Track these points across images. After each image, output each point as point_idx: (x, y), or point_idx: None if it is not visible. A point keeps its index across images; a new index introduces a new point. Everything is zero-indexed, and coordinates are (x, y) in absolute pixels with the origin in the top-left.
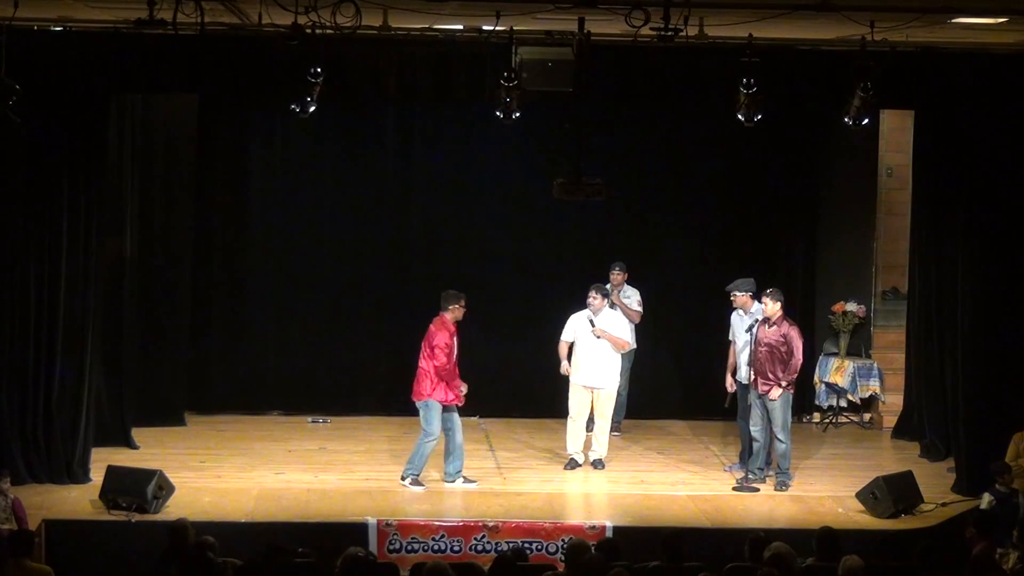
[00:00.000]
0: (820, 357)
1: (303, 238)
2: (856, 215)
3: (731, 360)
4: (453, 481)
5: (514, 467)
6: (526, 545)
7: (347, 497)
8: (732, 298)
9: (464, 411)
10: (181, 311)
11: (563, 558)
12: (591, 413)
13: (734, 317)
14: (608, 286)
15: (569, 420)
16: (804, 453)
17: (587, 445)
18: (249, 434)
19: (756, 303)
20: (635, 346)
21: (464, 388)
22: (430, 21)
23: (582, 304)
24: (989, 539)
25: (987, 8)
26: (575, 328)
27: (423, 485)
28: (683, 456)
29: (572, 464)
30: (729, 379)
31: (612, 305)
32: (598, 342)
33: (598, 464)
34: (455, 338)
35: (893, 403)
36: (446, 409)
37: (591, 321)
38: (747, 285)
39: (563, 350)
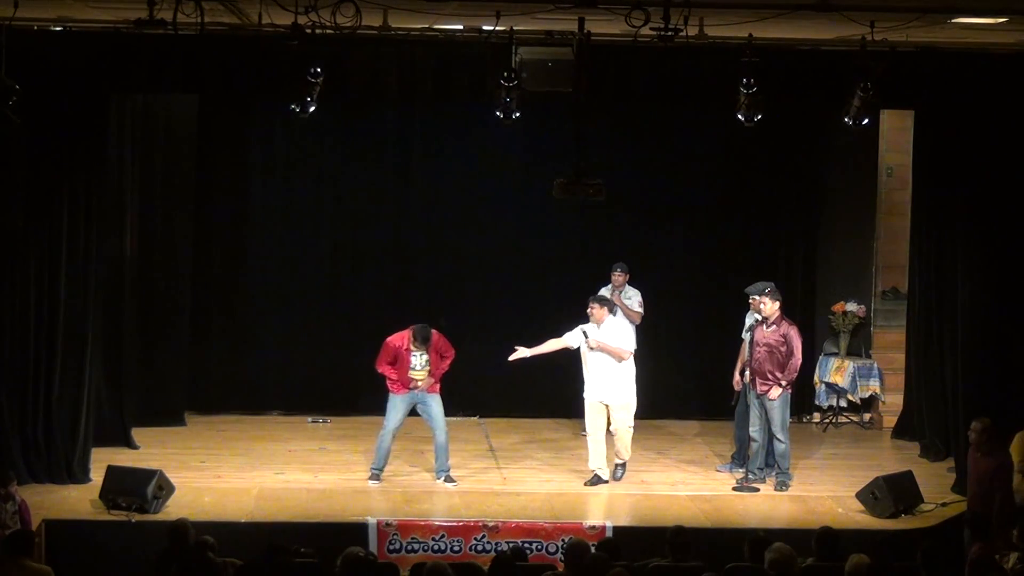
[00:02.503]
0: (820, 357)
1: (303, 238)
2: (856, 215)
3: (741, 358)
4: (438, 479)
5: (514, 467)
6: (526, 545)
7: (347, 497)
8: (751, 301)
9: (464, 411)
10: (181, 311)
11: (563, 558)
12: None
13: (748, 317)
14: (609, 287)
15: (588, 436)
16: (804, 453)
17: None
18: (249, 434)
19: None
20: (636, 347)
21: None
22: (430, 21)
23: (581, 303)
24: (984, 540)
25: (987, 8)
26: (578, 338)
27: (378, 480)
28: (683, 456)
29: (595, 480)
30: (736, 377)
31: (614, 309)
32: (606, 355)
33: (620, 470)
34: (411, 353)
35: (893, 403)
36: (423, 408)
37: (584, 333)
38: (764, 287)
39: (548, 344)
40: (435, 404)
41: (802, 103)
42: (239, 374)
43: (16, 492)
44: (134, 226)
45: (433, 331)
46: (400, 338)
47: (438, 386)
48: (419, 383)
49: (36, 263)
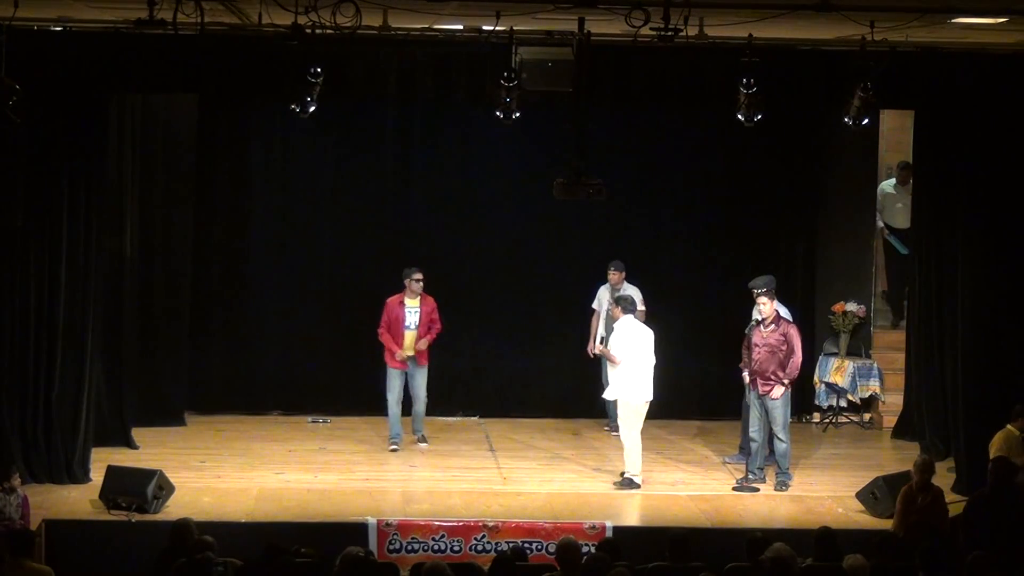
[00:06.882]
0: (820, 357)
1: (303, 238)
2: (856, 215)
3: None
4: (415, 436)
5: (514, 467)
6: (526, 545)
7: (347, 497)
8: (760, 301)
9: (464, 411)
10: (181, 311)
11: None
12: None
13: (755, 311)
14: (607, 285)
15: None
16: (804, 453)
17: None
18: (249, 434)
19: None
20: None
21: (400, 354)
22: (430, 21)
23: (581, 303)
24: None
25: (987, 8)
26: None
27: (397, 447)
28: (683, 456)
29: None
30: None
31: (631, 310)
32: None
33: (627, 483)
34: (406, 308)
35: (893, 403)
36: (409, 377)
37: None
38: (771, 283)
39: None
40: (420, 376)
41: (802, 103)
42: (239, 374)
43: (19, 486)
44: (134, 226)
45: (430, 297)
46: (395, 297)
47: (425, 357)
48: (407, 352)
49: (36, 263)
